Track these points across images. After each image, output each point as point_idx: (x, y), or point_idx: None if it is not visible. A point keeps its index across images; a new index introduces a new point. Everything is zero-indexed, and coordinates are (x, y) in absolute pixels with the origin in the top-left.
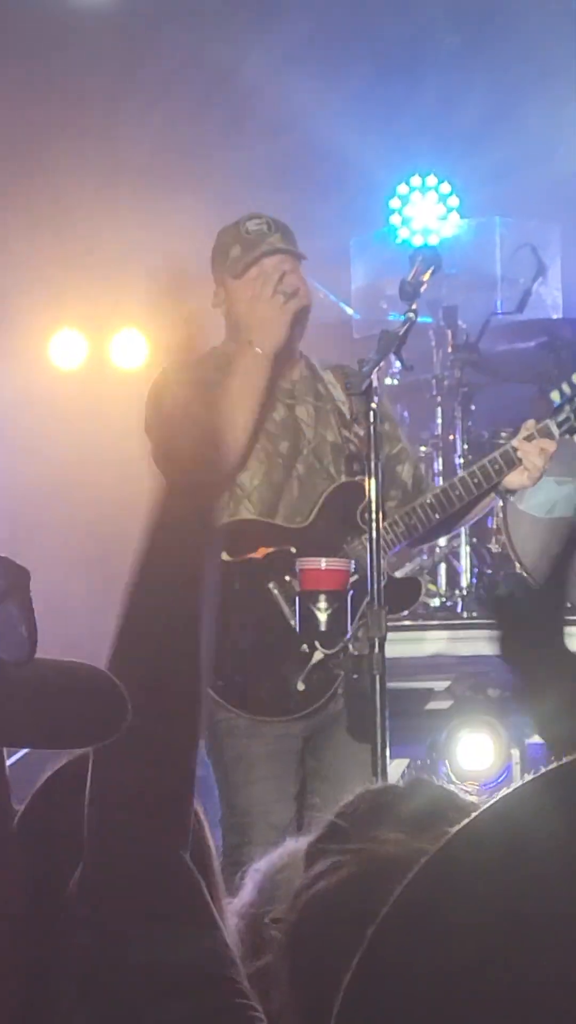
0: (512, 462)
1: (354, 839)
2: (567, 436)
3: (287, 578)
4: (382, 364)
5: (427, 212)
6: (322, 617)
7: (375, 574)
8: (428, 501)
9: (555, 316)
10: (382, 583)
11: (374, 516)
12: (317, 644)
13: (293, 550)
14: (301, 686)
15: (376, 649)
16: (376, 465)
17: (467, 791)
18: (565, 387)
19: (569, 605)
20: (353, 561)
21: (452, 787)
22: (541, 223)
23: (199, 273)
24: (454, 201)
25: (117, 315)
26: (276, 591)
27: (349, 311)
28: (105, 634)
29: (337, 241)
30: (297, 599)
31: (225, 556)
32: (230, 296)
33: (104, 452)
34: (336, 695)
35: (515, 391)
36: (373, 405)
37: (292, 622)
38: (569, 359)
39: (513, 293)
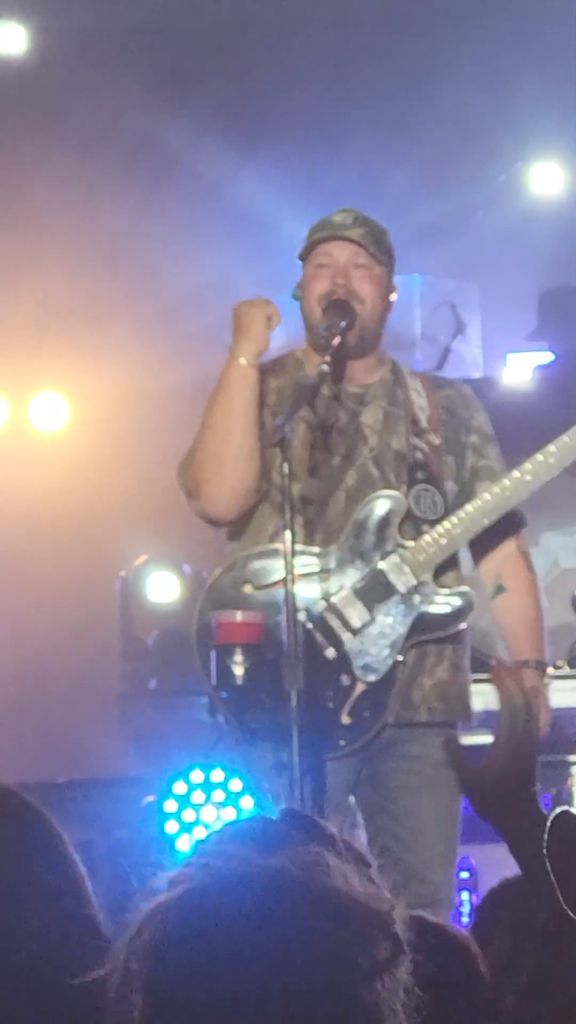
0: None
1: None
2: None
3: (319, 606)
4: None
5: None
6: (238, 671)
7: (292, 627)
8: (486, 497)
9: (475, 374)
10: (299, 636)
11: (290, 566)
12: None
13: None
14: (347, 719)
15: (293, 703)
16: (291, 515)
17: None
18: None
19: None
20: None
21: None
22: (460, 282)
23: (119, 333)
24: None
25: (38, 377)
26: (307, 621)
27: None
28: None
29: None
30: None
31: (248, 588)
32: (302, 282)
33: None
34: (386, 726)
35: None
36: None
37: (327, 652)
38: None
39: (433, 351)
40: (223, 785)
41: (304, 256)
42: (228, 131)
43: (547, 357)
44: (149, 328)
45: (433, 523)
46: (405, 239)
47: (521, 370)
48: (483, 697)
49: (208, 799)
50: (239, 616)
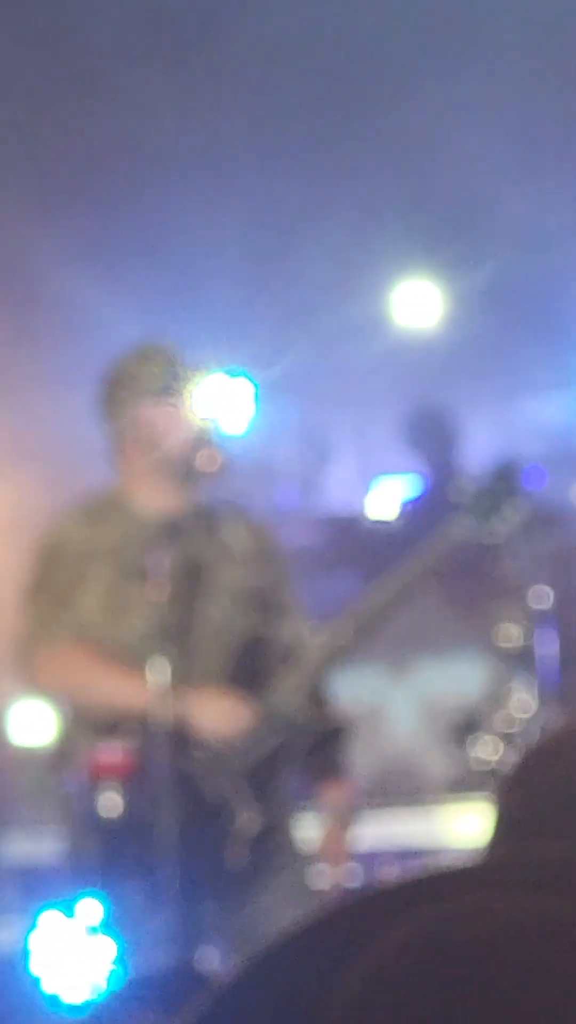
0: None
1: None
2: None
3: (196, 750)
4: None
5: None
6: (116, 805)
7: (164, 762)
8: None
9: (342, 507)
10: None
11: (164, 700)
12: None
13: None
14: (231, 855)
15: (169, 838)
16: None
17: None
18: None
19: None
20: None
21: None
22: (330, 411)
23: None
24: (249, 390)
25: None
26: (186, 765)
27: None
28: None
29: None
30: (87, 786)
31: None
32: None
33: None
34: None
35: (307, 585)
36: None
37: (215, 788)
38: (355, 550)
39: (297, 482)
40: (96, 917)
41: (159, 392)
42: (91, 263)
43: (416, 481)
44: (26, 461)
45: (287, 659)
46: (275, 368)
47: (387, 499)
48: None
49: (79, 932)
50: (112, 751)
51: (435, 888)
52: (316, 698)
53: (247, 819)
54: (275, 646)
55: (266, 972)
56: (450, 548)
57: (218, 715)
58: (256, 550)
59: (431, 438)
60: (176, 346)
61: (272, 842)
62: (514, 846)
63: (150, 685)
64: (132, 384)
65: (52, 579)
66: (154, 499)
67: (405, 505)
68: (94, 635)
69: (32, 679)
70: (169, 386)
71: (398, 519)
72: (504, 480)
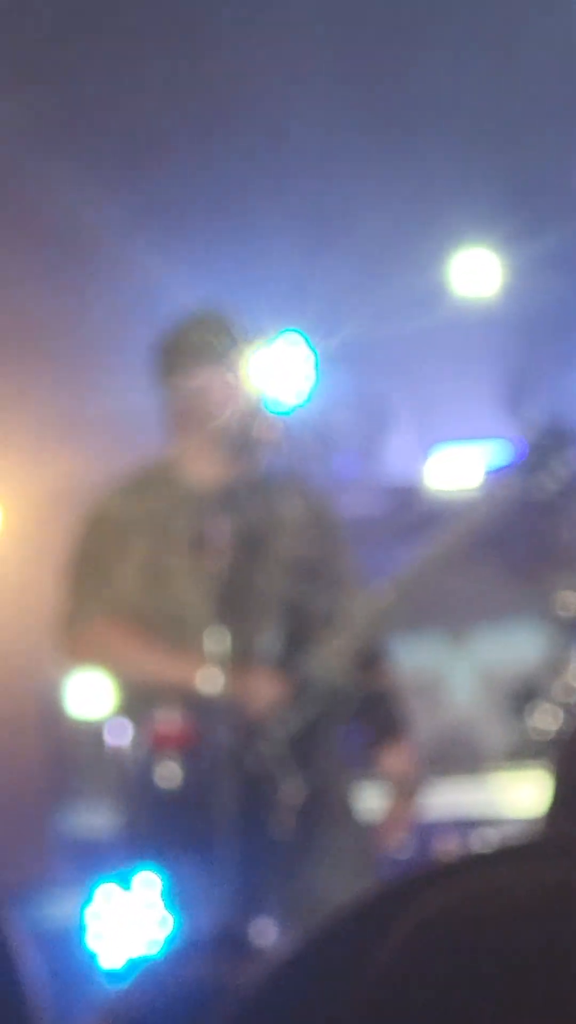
0: None
1: None
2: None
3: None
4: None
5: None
6: (176, 775)
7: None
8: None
9: (404, 474)
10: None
11: (227, 671)
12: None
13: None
14: (282, 822)
15: (226, 808)
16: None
17: None
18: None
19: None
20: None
21: None
22: (389, 381)
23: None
24: (309, 358)
25: None
26: (231, 737)
27: None
28: None
29: None
30: (147, 756)
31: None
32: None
33: None
34: None
35: (368, 554)
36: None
37: (269, 759)
38: (418, 520)
39: (357, 454)
40: (152, 890)
41: (215, 360)
42: (150, 229)
43: (507, 448)
44: (82, 429)
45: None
46: (332, 332)
47: (452, 467)
48: None
49: (133, 904)
50: (174, 721)
51: (480, 863)
52: (363, 663)
53: (292, 788)
54: (325, 616)
55: (315, 952)
56: (497, 507)
57: (254, 690)
58: (311, 520)
59: (532, 402)
60: (234, 313)
61: (322, 810)
62: (570, 817)
63: (195, 658)
64: (188, 351)
65: (93, 552)
66: (208, 469)
67: (490, 473)
68: (136, 607)
69: (71, 654)
70: (226, 354)
71: (481, 487)
72: (552, 436)
